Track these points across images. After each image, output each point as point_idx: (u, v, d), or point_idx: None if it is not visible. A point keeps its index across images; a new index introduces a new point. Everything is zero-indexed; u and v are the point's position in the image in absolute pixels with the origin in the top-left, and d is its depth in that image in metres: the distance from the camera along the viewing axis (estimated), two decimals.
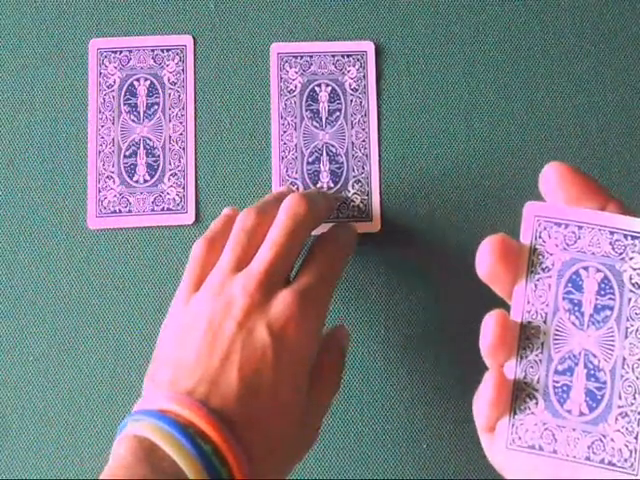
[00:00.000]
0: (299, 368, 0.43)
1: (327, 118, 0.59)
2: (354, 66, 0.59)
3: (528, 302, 0.36)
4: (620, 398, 0.35)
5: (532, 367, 0.36)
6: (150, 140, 0.59)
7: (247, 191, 0.58)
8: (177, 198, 0.58)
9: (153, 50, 0.60)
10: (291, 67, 0.59)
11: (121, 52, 0.59)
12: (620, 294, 0.35)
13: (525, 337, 0.36)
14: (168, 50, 0.60)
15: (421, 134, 0.59)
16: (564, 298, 0.35)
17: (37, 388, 0.57)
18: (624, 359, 0.35)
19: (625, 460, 0.35)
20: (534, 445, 0.36)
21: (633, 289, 0.34)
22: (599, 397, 0.35)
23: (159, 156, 0.58)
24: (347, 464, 0.56)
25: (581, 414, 0.35)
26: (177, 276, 0.57)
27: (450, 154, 0.59)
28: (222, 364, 0.41)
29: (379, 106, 0.59)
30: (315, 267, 0.47)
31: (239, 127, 0.59)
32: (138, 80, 0.59)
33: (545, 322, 0.36)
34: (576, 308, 0.35)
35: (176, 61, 0.60)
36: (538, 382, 0.36)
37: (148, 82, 0.59)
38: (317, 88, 0.59)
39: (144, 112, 0.59)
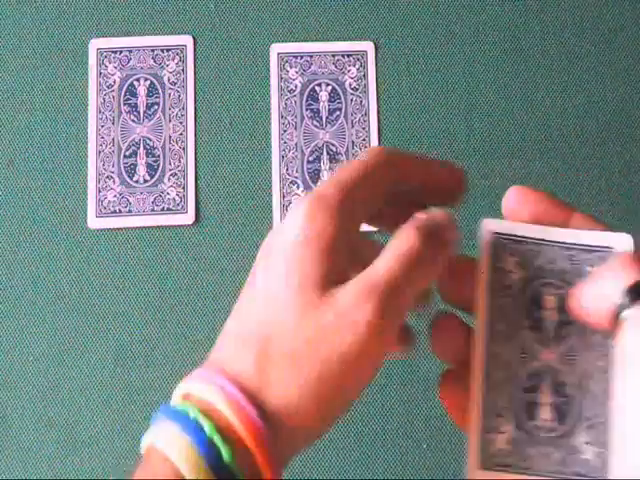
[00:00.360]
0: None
1: (327, 117, 0.59)
2: (354, 66, 0.59)
3: (491, 321, 0.35)
4: (587, 410, 0.35)
5: (499, 386, 0.35)
6: (150, 140, 0.59)
7: (247, 191, 0.58)
8: (177, 198, 0.58)
9: (153, 50, 0.60)
10: (291, 67, 0.59)
11: (121, 52, 0.60)
12: None
13: (491, 356, 0.35)
14: (168, 50, 0.60)
15: (421, 134, 0.59)
16: (527, 316, 0.35)
17: (37, 388, 0.56)
18: (587, 372, 0.35)
19: (593, 470, 0.35)
20: (507, 463, 0.35)
21: None
22: (566, 411, 0.35)
23: (159, 156, 0.58)
24: (347, 464, 0.56)
25: (550, 430, 0.35)
26: (177, 276, 0.57)
27: (450, 153, 0.59)
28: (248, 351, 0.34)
29: (379, 105, 0.59)
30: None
31: (239, 127, 0.59)
32: (138, 80, 0.59)
33: (509, 340, 0.35)
34: (538, 325, 0.35)
35: (176, 61, 0.60)
36: (507, 400, 0.35)
37: (148, 82, 0.59)
38: (317, 88, 0.59)
39: (144, 112, 0.59)
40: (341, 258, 0.33)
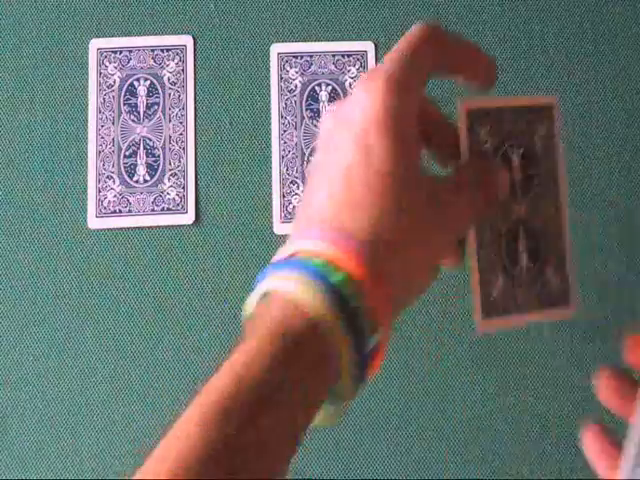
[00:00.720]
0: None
1: None
2: (354, 66, 0.59)
3: None
4: (550, 247, 0.44)
5: (488, 245, 0.41)
6: (150, 140, 0.59)
7: (247, 191, 0.58)
8: (177, 198, 0.58)
9: (153, 50, 0.60)
10: (291, 67, 0.59)
11: (121, 52, 0.59)
12: None
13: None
14: (168, 50, 0.60)
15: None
16: None
17: (37, 388, 0.56)
18: (547, 215, 0.43)
19: (560, 297, 0.44)
20: (503, 308, 0.41)
21: None
22: (537, 251, 0.43)
23: (159, 156, 0.58)
24: (347, 464, 0.56)
25: (528, 270, 0.43)
26: (177, 276, 0.57)
27: None
28: (347, 188, 0.35)
29: None
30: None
31: (239, 127, 0.59)
32: (138, 80, 0.59)
33: None
34: (511, 184, 0.42)
35: (176, 61, 0.60)
36: (495, 254, 0.41)
37: (148, 82, 0.59)
38: (317, 88, 0.59)
39: (144, 112, 0.59)
40: (417, 134, 0.37)
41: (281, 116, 0.59)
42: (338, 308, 0.33)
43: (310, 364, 0.33)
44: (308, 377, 0.33)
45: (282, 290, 0.34)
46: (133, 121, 0.59)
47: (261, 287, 0.35)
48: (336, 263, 0.34)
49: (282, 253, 0.37)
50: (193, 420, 0.33)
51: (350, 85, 0.59)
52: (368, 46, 0.59)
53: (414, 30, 0.37)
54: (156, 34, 0.60)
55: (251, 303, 0.35)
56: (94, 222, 0.58)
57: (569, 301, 0.44)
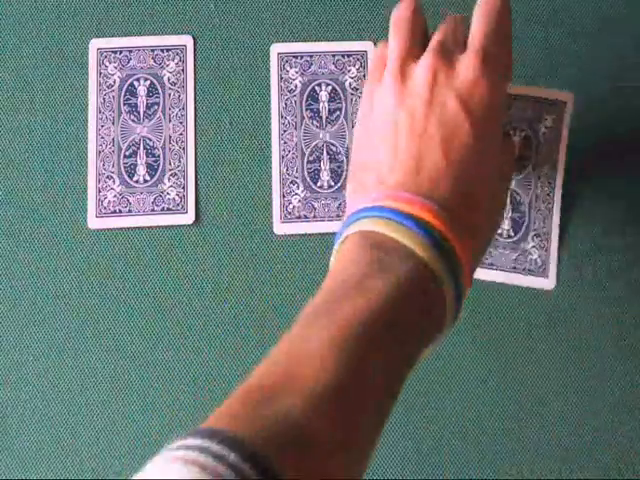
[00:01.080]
0: (495, 130, 0.42)
1: (327, 117, 0.59)
2: (354, 66, 0.59)
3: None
4: (535, 223, 0.53)
5: None
6: (150, 140, 0.59)
7: (247, 191, 0.58)
8: (177, 198, 0.58)
9: (153, 50, 0.60)
10: (291, 67, 0.59)
11: (121, 52, 0.60)
12: None
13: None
14: (168, 50, 0.60)
15: None
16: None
17: (37, 388, 0.56)
18: (537, 196, 0.52)
19: (539, 268, 0.52)
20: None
21: None
22: (520, 223, 0.52)
23: (159, 156, 0.58)
24: None
25: (508, 237, 0.52)
26: (177, 276, 0.57)
27: None
28: (423, 148, 0.40)
29: None
30: (486, 25, 0.44)
31: (239, 127, 0.59)
32: (138, 80, 0.59)
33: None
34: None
35: (176, 61, 0.60)
36: None
37: (148, 82, 0.59)
38: (317, 88, 0.59)
39: (144, 112, 0.59)
40: None
41: (281, 116, 0.59)
42: (442, 259, 0.37)
43: (426, 306, 0.38)
44: (423, 320, 0.38)
45: (393, 237, 0.38)
46: (133, 121, 0.59)
47: (366, 227, 0.39)
48: (430, 222, 0.38)
49: (358, 203, 0.41)
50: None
51: (350, 85, 0.59)
52: (368, 46, 0.59)
53: (497, 4, 0.45)
54: (156, 34, 0.60)
55: (351, 241, 0.39)
56: (94, 222, 0.58)
57: (547, 275, 0.51)
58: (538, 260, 0.53)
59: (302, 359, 0.34)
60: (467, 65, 0.42)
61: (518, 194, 0.52)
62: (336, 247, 0.41)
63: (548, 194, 0.53)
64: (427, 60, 0.42)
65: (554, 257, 0.53)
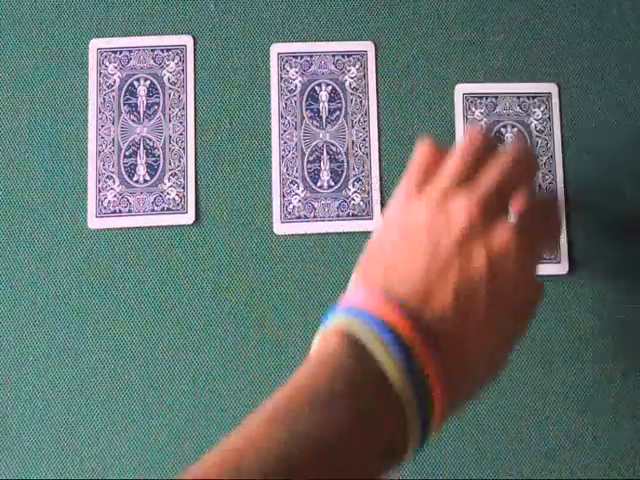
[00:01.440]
0: (508, 306, 0.42)
1: (327, 117, 0.59)
2: (354, 66, 0.59)
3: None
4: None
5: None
6: (150, 140, 0.59)
7: (247, 191, 0.58)
8: (177, 198, 0.58)
9: (153, 50, 0.60)
10: (291, 67, 0.59)
11: (121, 52, 0.60)
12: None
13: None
14: (168, 50, 0.60)
15: (421, 134, 0.59)
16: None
17: (37, 388, 0.56)
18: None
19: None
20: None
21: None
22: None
23: (159, 156, 0.58)
24: None
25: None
26: (177, 276, 0.57)
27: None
28: (438, 280, 0.41)
29: (379, 106, 0.59)
30: (532, 213, 0.45)
31: (239, 127, 0.59)
32: (138, 80, 0.59)
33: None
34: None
35: (176, 61, 0.60)
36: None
37: (148, 82, 0.59)
38: (317, 88, 0.59)
39: (144, 112, 0.59)
40: None
41: (281, 116, 0.59)
42: (413, 383, 0.38)
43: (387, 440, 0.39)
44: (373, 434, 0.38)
45: (368, 347, 0.39)
46: (133, 121, 0.59)
47: (348, 330, 0.40)
48: (413, 347, 0.39)
49: (357, 294, 0.42)
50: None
51: (350, 85, 0.59)
52: (368, 46, 0.59)
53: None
54: (156, 34, 0.60)
55: (331, 335, 0.40)
56: (94, 222, 0.58)
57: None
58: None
59: (245, 464, 0.35)
60: (505, 231, 0.42)
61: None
62: (322, 332, 0.41)
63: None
64: (471, 204, 0.42)
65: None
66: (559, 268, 0.56)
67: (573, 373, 0.57)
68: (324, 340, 0.40)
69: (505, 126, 0.58)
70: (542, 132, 0.58)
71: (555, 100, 0.58)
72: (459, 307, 0.40)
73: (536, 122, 0.58)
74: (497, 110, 0.58)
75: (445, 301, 0.40)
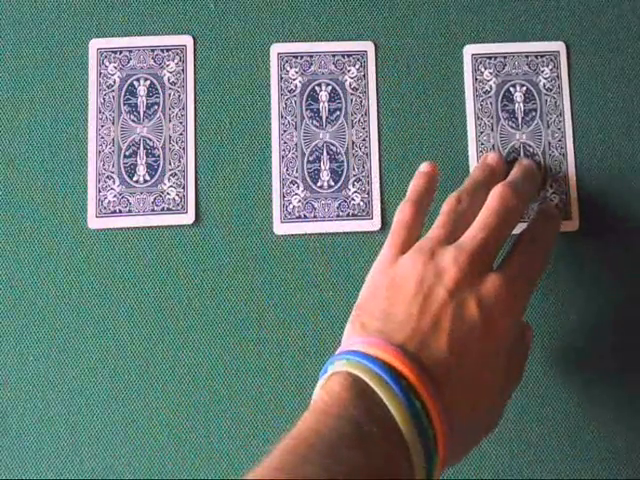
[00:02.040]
0: (501, 351, 0.44)
1: (327, 117, 0.59)
2: (354, 66, 0.59)
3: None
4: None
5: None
6: (150, 140, 0.59)
7: (247, 191, 0.58)
8: (177, 198, 0.58)
9: (153, 50, 0.60)
10: (291, 67, 0.59)
11: (121, 52, 0.59)
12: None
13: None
14: (168, 50, 0.60)
15: (421, 134, 0.59)
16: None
17: (37, 388, 0.56)
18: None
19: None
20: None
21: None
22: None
23: (159, 156, 0.58)
24: None
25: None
26: (177, 276, 0.57)
27: (450, 153, 0.59)
28: (433, 327, 0.42)
29: (379, 106, 0.59)
30: (522, 260, 0.47)
31: (239, 127, 0.59)
32: (138, 80, 0.59)
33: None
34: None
35: (176, 61, 0.60)
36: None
37: (148, 82, 0.59)
38: (317, 88, 0.59)
39: (144, 112, 0.59)
40: None
41: (281, 116, 0.59)
42: (417, 430, 0.39)
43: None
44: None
45: (375, 390, 0.39)
46: (133, 121, 0.59)
47: (354, 374, 0.40)
48: (417, 391, 0.39)
49: (358, 341, 0.42)
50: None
51: (350, 85, 0.59)
52: (368, 46, 0.59)
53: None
54: (156, 34, 0.60)
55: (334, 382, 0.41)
56: (94, 222, 0.58)
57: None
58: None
59: None
60: (494, 279, 0.44)
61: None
62: (326, 376, 0.42)
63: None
64: (460, 255, 0.44)
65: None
66: (570, 225, 0.57)
67: (572, 374, 0.57)
68: (328, 385, 0.41)
69: (514, 85, 0.58)
70: (550, 90, 0.58)
71: (563, 58, 0.59)
72: (454, 352, 0.42)
73: (545, 81, 0.58)
74: (506, 70, 0.58)
75: (441, 347, 0.41)
